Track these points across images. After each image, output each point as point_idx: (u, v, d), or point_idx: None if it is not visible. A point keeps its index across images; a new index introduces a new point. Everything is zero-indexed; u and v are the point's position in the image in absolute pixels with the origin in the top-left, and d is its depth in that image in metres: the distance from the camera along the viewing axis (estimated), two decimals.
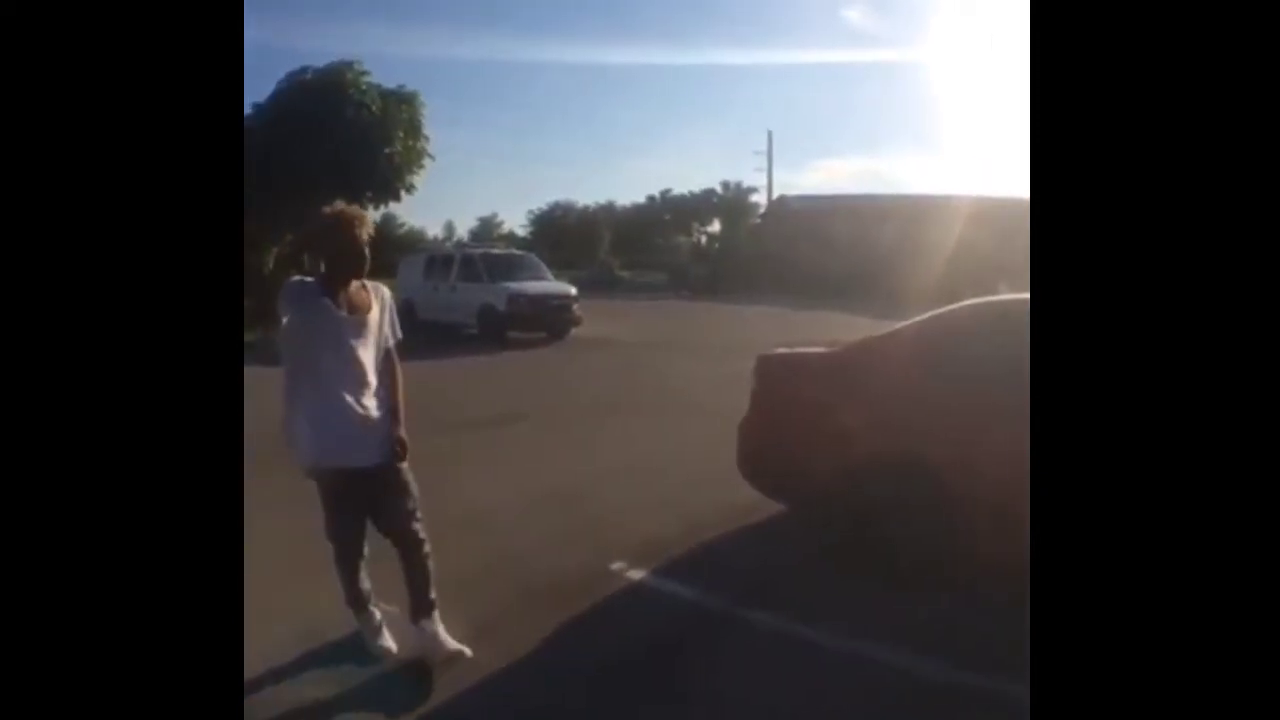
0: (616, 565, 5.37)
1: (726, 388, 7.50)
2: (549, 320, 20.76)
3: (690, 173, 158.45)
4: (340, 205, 4.08)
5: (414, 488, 4.18)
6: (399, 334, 4.34)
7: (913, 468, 4.84)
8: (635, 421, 10.57)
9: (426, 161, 27.95)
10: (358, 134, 25.03)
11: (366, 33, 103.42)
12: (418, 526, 4.15)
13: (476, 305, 20.65)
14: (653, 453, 8.76)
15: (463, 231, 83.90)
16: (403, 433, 4.16)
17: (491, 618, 4.56)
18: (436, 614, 4.12)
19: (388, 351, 4.24)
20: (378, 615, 4.25)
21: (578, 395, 12.84)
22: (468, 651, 4.02)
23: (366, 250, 4.01)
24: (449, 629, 4.01)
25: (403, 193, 27.68)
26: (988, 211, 31.59)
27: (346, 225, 3.96)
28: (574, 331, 21.04)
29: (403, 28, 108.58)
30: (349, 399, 3.97)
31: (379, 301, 4.19)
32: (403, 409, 4.21)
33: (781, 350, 6.30)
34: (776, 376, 5.94)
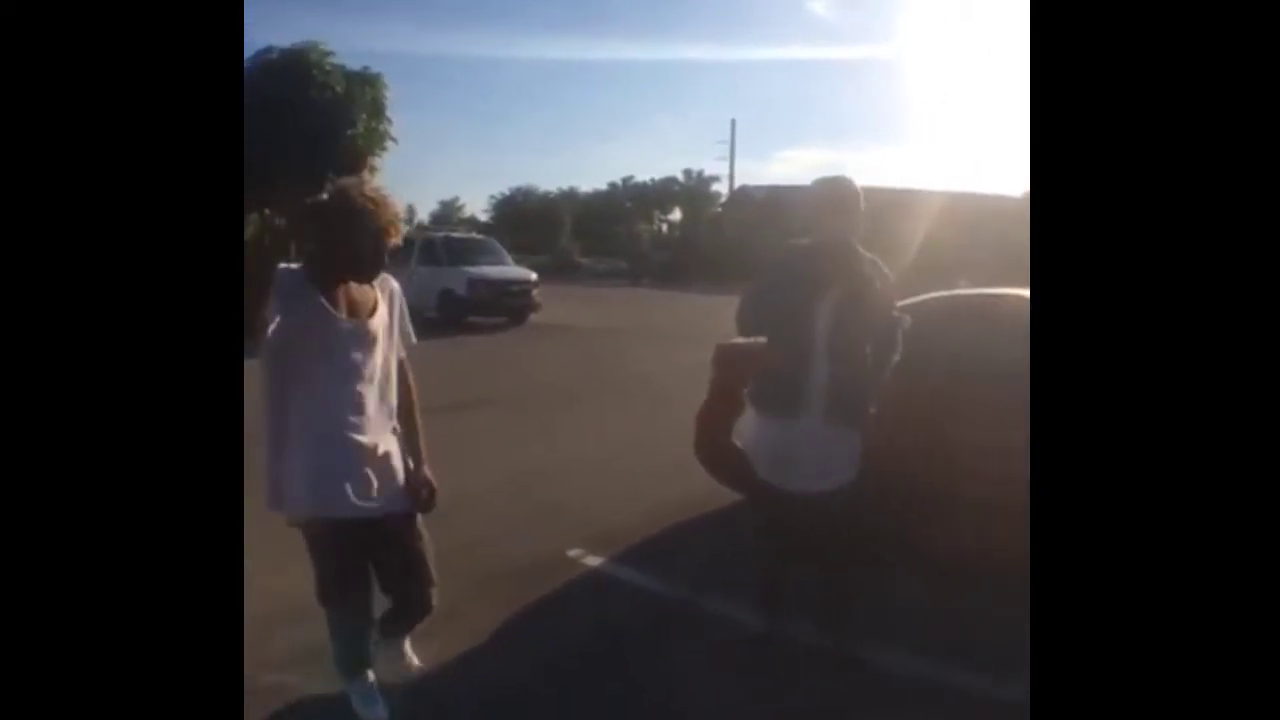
0: (574, 552, 5.39)
1: (685, 376, 7.53)
2: (509, 305, 20.72)
3: (653, 160, 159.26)
4: (344, 181, 3.14)
5: (428, 542, 3.54)
6: (412, 338, 3.48)
7: (870, 458, 4.89)
8: (594, 408, 10.58)
9: (389, 144, 27.82)
10: (321, 115, 24.88)
11: (332, 27, 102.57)
12: (432, 593, 3.55)
13: (436, 289, 20.51)
14: (611, 440, 8.79)
15: (423, 215, 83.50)
16: (428, 472, 3.49)
17: (451, 603, 4.56)
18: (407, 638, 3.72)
19: (400, 363, 3.41)
20: (371, 677, 3.53)
21: (537, 381, 12.83)
22: (425, 668, 3.76)
23: (379, 244, 3.12)
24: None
25: (364, 175, 27.45)
26: (952, 207, 31.81)
27: (350, 208, 3.03)
28: (533, 317, 20.99)
29: (368, 22, 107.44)
30: (352, 430, 3.14)
31: (386, 298, 3.34)
32: (423, 439, 3.51)
33: (741, 340, 6.33)
34: (735, 366, 5.96)
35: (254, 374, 2.72)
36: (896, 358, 3.88)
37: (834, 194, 3.90)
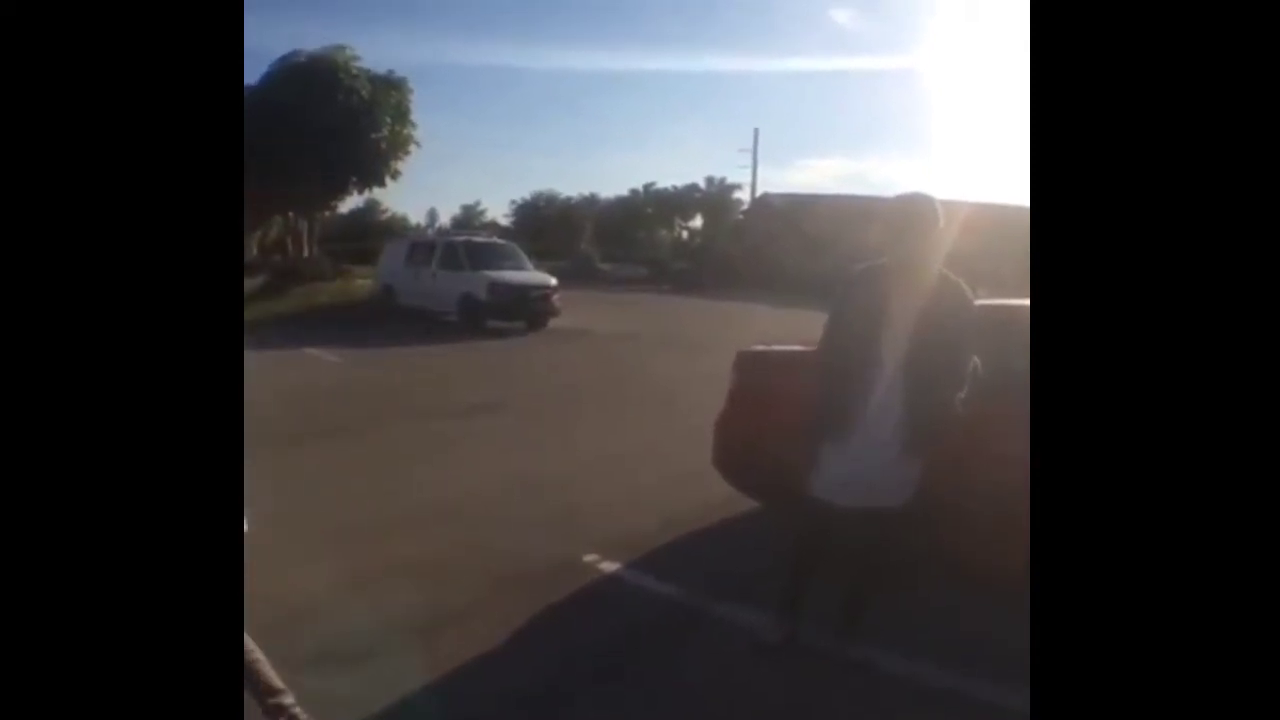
0: (590, 557, 5.39)
1: (704, 383, 7.54)
2: (528, 310, 20.73)
3: (674, 167, 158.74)
4: None
5: None
6: None
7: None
8: (612, 414, 10.58)
9: (413, 148, 28.03)
10: (346, 118, 25.08)
11: (358, 36, 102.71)
12: None
13: (457, 293, 20.65)
14: (629, 446, 8.79)
15: (445, 219, 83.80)
16: None
17: (463, 606, 4.57)
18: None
19: None
20: None
21: (556, 386, 12.84)
22: None
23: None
24: (423, 617, 3.97)
25: (387, 178, 27.79)
26: (971, 217, 31.61)
27: None
28: (553, 322, 21.01)
29: (395, 32, 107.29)
30: None
31: None
32: None
33: (760, 347, 6.34)
34: (755, 373, 5.96)
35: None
36: (962, 395, 3.80)
37: (908, 212, 3.78)
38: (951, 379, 3.77)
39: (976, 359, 3.86)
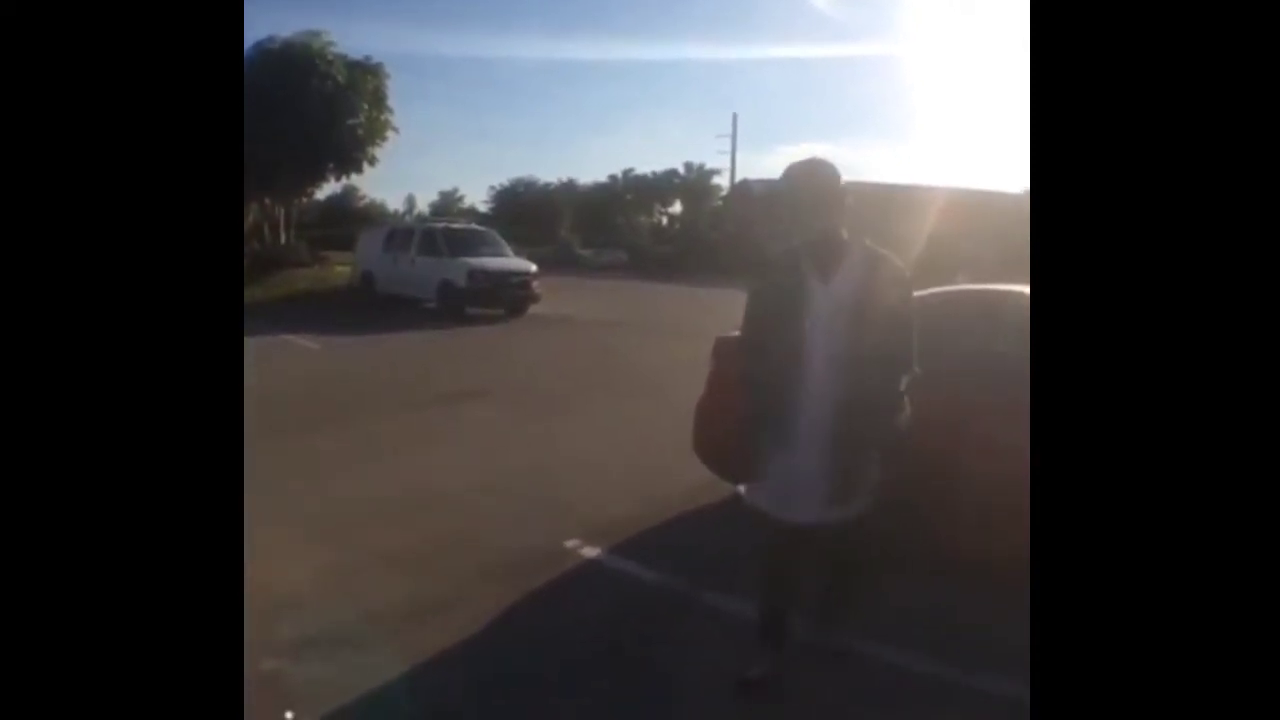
0: (571, 543, 5.39)
1: (685, 369, 7.53)
2: (508, 296, 20.71)
3: (653, 153, 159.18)
4: None
5: None
6: None
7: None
8: (593, 400, 10.58)
9: (390, 134, 27.98)
10: (322, 104, 24.99)
11: (334, 26, 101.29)
12: None
13: (436, 280, 20.61)
14: (609, 432, 8.81)
15: (423, 205, 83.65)
16: None
17: (448, 594, 4.57)
18: None
19: None
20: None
21: (536, 373, 12.82)
22: None
23: None
24: (405, 605, 3.97)
25: (365, 165, 27.75)
26: (952, 203, 31.79)
27: None
28: (533, 308, 21.02)
29: (370, 21, 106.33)
30: None
31: None
32: None
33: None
34: (735, 359, 5.96)
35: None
36: (909, 378, 3.42)
37: (809, 183, 3.46)
38: (897, 360, 3.38)
39: (916, 366, 3.47)
